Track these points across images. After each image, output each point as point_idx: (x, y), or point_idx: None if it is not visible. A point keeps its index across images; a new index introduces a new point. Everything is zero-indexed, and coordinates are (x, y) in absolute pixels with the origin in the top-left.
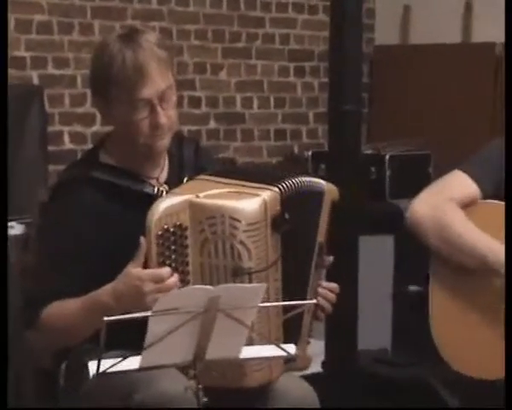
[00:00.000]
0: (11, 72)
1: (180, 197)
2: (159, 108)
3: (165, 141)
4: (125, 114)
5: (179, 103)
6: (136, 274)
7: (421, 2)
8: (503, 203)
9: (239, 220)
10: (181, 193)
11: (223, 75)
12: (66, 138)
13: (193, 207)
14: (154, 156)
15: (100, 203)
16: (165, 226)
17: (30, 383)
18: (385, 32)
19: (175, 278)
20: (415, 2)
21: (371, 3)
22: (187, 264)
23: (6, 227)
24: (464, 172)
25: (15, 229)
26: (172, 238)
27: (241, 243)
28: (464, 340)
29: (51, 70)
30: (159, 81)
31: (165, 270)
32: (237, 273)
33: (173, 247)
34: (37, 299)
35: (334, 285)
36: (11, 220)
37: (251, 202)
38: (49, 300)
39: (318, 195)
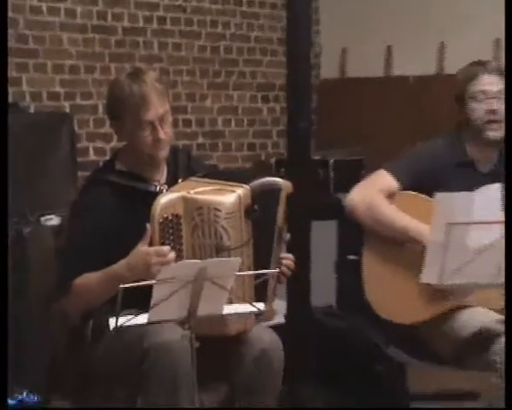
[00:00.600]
0: (49, 103)
1: (176, 194)
2: (159, 127)
3: (164, 152)
4: (133, 132)
5: (175, 124)
6: (145, 250)
7: (354, 46)
8: (415, 193)
9: (220, 210)
10: (177, 190)
11: (208, 102)
12: (91, 152)
13: (186, 201)
14: (156, 163)
15: (115, 199)
16: (165, 215)
17: (63, 339)
18: (328, 69)
19: (173, 254)
20: (350, 46)
21: (317, 48)
22: (181, 244)
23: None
24: (387, 170)
25: (54, 220)
26: (170, 224)
27: (222, 227)
28: (389, 294)
29: (79, 101)
30: (158, 107)
31: (166, 247)
32: (219, 250)
33: (171, 231)
34: (68, 273)
35: (290, 256)
36: (50, 214)
37: (229, 197)
38: (77, 273)
39: (277, 190)
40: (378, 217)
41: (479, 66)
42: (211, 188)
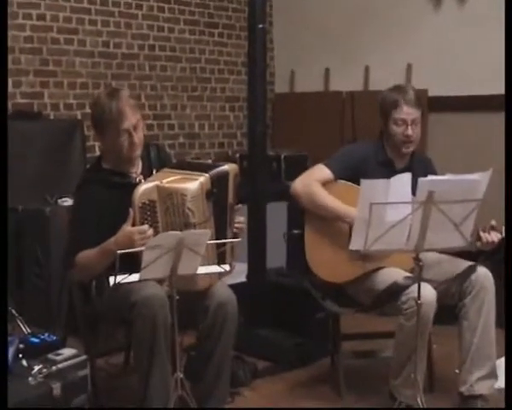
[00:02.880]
0: (65, 112)
1: (151, 183)
2: (133, 134)
3: (138, 152)
4: (113, 139)
5: (162, 127)
6: (129, 230)
7: (300, 68)
8: (347, 183)
9: (186, 195)
10: (152, 181)
11: (187, 111)
12: (97, 149)
13: (159, 189)
14: (132, 161)
15: (103, 192)
16: (143, 201)
17: (76, 291)
18: (280, 85)
19: (151, 231)
20: (297, 68)
21: (272, 69)
22: (157, 222)
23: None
24: (324, 164)
25: (68, 201)
26: (148, 208)
27: (188, 208)
28: (325, 260)
29: (88, 110)
30: (132, 118)
31: (145, 226)
32: (187, 226)
33: (148, 213)
34: (72, 252)
35: (242, 219)
36: (66, 197)
37: (193, 184)
38: (79, 250)
39: (226, 174)
40: (315, 201)
41: (400, 93)
42: (179, 177)
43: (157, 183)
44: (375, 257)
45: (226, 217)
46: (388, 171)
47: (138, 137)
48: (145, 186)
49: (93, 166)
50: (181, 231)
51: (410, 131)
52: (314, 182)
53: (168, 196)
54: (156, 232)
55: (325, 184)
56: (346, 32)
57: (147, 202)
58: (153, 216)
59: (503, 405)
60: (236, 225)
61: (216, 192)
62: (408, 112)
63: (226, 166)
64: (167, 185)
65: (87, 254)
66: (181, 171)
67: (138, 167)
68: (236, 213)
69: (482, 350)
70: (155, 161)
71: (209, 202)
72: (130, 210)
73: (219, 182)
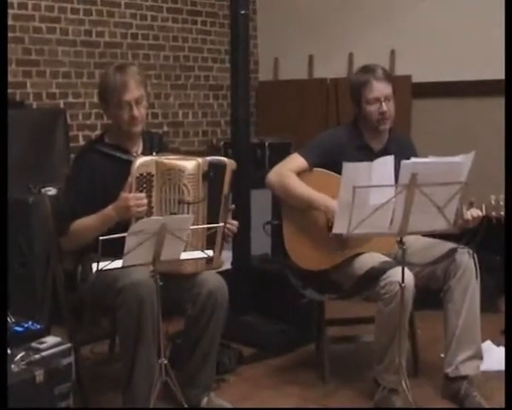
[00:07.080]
0: (47, 101)
1: (151, 157)
2: (134, 107)
3: (137, 128)
4: (115, 111)
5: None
6: (125, 196)
7: (284, 56)
8: (324, 171)
9: (183, 172)
10: (151, 156)
11: (171, 100)
12: (80, 139)
13: (158, 163)
14: (132, 137)
15: (103, 164)
16: (141, 172)
17: (61, 279)
18: (264, 73)
19: (146, 201)
20: (281, 55)
21: (256, 57)
22: (151, 197)
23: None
24: (298, 153)
25: (51, 191)
26: (144, 180)
27: (184, 185)
28: (304, 249)
29: (71, 99)
30: (135, 91)
31: (141, 194)
32: (180, 203)
33: (145, 185)
34: (69, 217)
35: (235, 222)
36: (49, 186)
37: (191, 163)
38: (75, 217)
39: (223, 166)
40: (288, 191)
41: (369, 72)
42: (178, 157)
43: (156, 158)
44: (354, 243)
45: (219, 207)
46: (366, 154)
47: (139, 112)
48: (144, 158)
49: (95, 139)
50: (174, 207)
51: (384, 108)
52: (287, 172)
53: (166, 171)
54: (149, 206)
55: (300, 173)
56: (330, 18)
57: (144, 174)
58: (148, 189)
59: (488, 387)
60: (229, 226)
61: (212, 176)
62: (380, 88)
63: (224, 159)
64: (166, 161)
65: (83, 222)
66: (180, 155)
67: (139, 148)
68: (230, 215)
69: (467, 332)
70: (157, 147)
71: (204, 184)
72: (129, 178)
73: (216, 169)
